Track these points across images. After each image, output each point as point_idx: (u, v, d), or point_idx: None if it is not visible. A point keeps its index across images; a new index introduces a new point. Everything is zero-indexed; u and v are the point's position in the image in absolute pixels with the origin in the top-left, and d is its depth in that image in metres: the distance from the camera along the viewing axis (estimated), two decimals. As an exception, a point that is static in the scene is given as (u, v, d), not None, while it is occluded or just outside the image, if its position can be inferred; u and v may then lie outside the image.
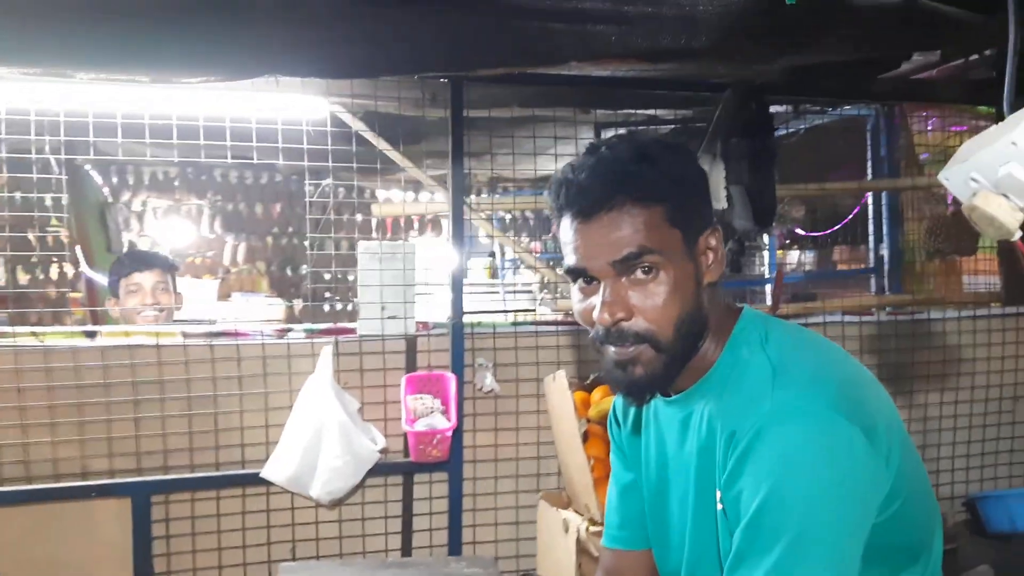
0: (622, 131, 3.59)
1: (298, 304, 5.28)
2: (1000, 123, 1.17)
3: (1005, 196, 1.17)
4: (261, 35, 1.72)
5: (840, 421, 1.06)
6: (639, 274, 1.14)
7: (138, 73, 1.78)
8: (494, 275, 6.94)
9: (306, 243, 2.67)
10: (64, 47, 1.68)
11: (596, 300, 1.15)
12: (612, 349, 1.17)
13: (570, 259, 1.17)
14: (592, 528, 2.22)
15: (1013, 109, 1.19)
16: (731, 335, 1.21)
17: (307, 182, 2.47)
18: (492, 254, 6.91)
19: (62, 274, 5.49)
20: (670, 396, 1.25)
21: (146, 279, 2.92)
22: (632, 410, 1.40)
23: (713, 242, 1.20)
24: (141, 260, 3.03)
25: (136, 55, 1.68)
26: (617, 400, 1.47)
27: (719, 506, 1.15)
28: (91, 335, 2.37)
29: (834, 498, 1.04)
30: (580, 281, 1.19)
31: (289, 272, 6.18)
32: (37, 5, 1.58)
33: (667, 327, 1.15)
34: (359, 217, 4.90)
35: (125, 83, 1.99)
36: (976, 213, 1.18)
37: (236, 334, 2.46)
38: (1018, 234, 1.18)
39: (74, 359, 2.30)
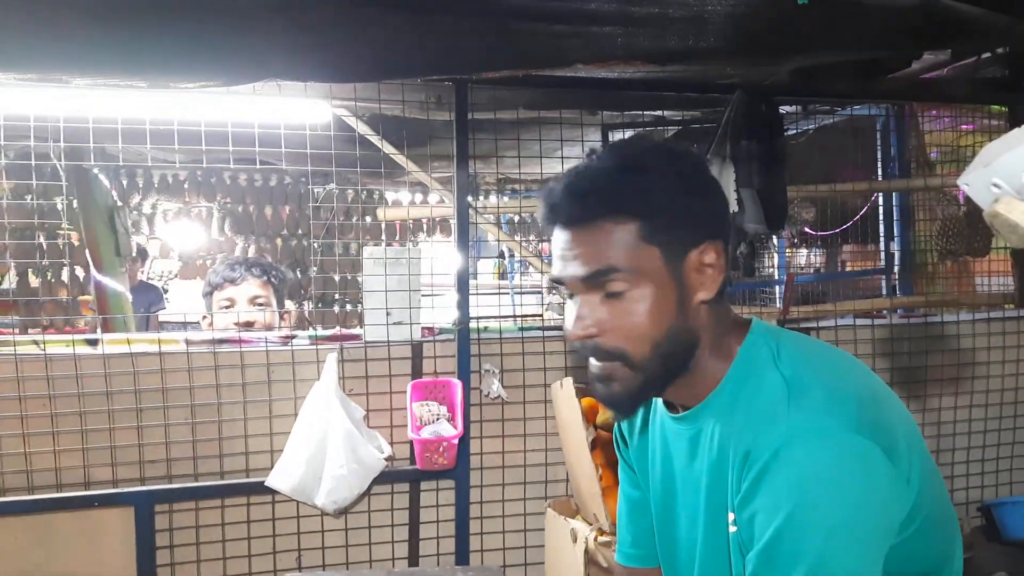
0: (629, 133, 3.56)
1: (308, 306, 5.27)
2: (1023, 127, 1.14)
3: (1029, 203, 1.13)
4: (261, 40, 1.70)
5: (860, 442, 1.03)
6: (610, 291, 1.11)
7: (135, 78, 1.76)
8: (503, 276, 6.92)
9: (310, 246, 2.61)
10: (60, 53, 1.66)
11: (571, 314, 1.15)
12: (592, 362, 1.16)
13: (553, 269, 1.17)
14: (601, 538, 2.19)
15: (1036, 112, 1.16)
16: (740, 350, 1.16)
17: (310, 186, 2.44)
18: (502, 255, 6.88)
19: (73, 277, 5.49)
20: (677, 412, 1.22)
21: (240, 293, 2.61)
22: (637, 426, 1.37)
23: (709, 257, 1.14)
24: (235, 270, 2.64)
25: (132, 60, 1.66)
26: None
27: (732, 528, 1.12)
28: (93, 343, 2.35)
29: (853, 524, 1.01)
30: (564, 292, 1.18)
31: (299, 274, 6.17)
32: (33, 11, 1.55)
33: (641, 347, 1.12)
34: (368, 220, 4.89)
35: (123, 88, 1.96)
36: (999, 220, 1.15)
37: (240, 341, 2.43)
38: (1043, 242, 1.14)
39: (76, 367, 2.28)
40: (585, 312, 1.13)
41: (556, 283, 1.17)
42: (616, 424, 1.45)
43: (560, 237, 1.14)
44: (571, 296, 1.16)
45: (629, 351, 1.12)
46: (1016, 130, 1.14)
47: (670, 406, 1.25)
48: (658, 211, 1.12)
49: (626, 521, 1.45)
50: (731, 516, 1.12)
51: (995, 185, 1.14)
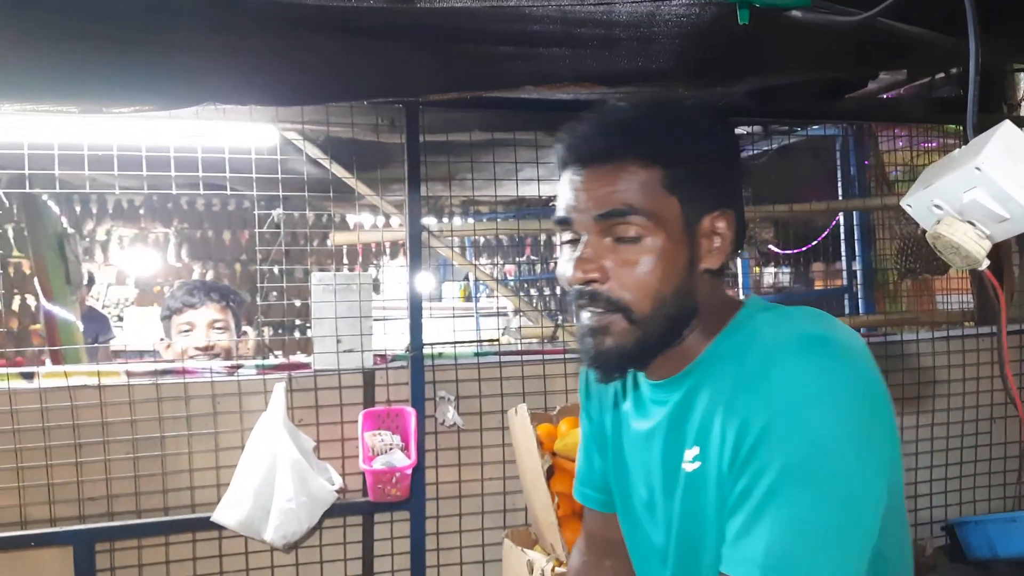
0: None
1: (267, 332, 5.18)
2: (963, 147, 1.12)
3: (971, 223, 1.10)
4: (197, 63, 1.64)
5: (874, 377, 0.99)
6: (623, 235, 1.05)
7: (65, 103, 1.69)
8: (468, 298, 6.87)
9: (267, 271, 2.55)
10: (-15, 77, 1.59)
11: (570, 257, 1.08)
12: (586, 314, 1.08)
13: (559, 210, 1.10)
14: (558, 568, 2.13)
15: (977, 132, 1.13)
16: (731, 321, 1.10)
17: (256, 211, 2.37)
18: (466, 278, 6.82)
19: (24, 306, 5.35)
20: (655, 380, 1.15)
21: (199, 317, 2.62)
22: (610, 401, 1.29)
23: (721, 226, 1.09)
24: (194, 295, 2.66)
25: (61, 85, 1.60)
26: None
27: (690, 465, 1.06)
28: (29, 376, 2.26)
29: (862, 438, 0.94)
30: (567, 237, 1.11)
31: (258, 300, 6.08)
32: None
33: (644, 299, 1.05)
34: (329, 243, 4.83)
35: (55, 114, 1.89)
36: (941, 241, 1.12)
37: (184, 372, 2.35)
38: (985, 263, 1.12)
39: (11, 401, 2.19)
40: (590, 254, 1.06)
41: (561, 223, 1.11)
42: (583, 373, 1.37)
43: (575, 176, 1.08)
44: (572, 241, 1.10)
45: (632, 303, 1.05)
46: (956, 151, 1.12)
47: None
48: (685, 162, 1.07)
49: (585, 465, 1.38)
50: (688, 454, 1.06)
51: (936, 206, 1.12)
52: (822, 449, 0.92)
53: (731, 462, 0.99)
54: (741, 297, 1.16)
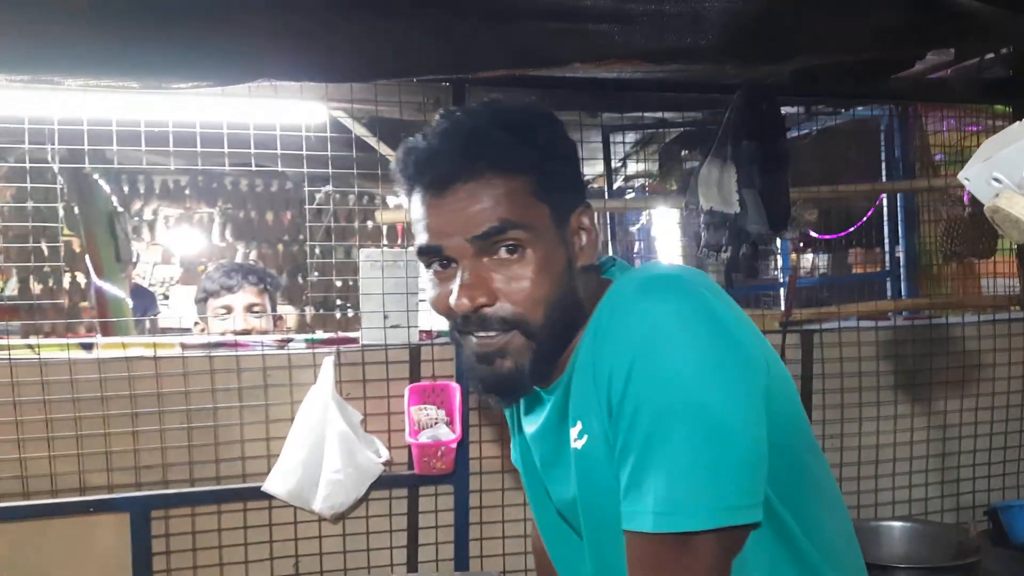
0: (631, 135, 3.54)
1: (309, 311, 5.25)
2: (1023, 120, 1.12)
3: (1029, 197, 1.10)
4: (251, 40, 1.68)
5: (720, 299, 1.00)
6: (503, 253, 1.03)
7: (127, 79, 1.75)
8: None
9: (311, 250, 2.59)
10: (51, 53, 1.65)
11: (454, 284, 1.03)
12: (474, 340, 1.06)
13: (422, 238, 1.05)
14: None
15: (1036, 105, 1.13)
16: (597, 307, 1.07)
17: (306, 188, 2.41)
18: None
19: (75, 283, 5.48)
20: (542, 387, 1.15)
21: (237, 300, 2.64)
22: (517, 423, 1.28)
23: (586, 221, 1.09)
24: (232, 277, 2.66)
25: (123, 60, 1.65)
26: None
27: (576, 443, 1.05)
28: (88, 347, 2.33)
29: (719, 366, 0.93)
30: (435, 264, 1.07)
31: (300, 279, 6.16)
32: (23, 10, 1.54)
33: (536, 311, 1.03)
34: (369, 224, 4.88)
35: (116, 89, 1.94)
36: (999, 215, 1.12)
37: (236, 345, 2.41)
38: (1043, 237, 1.12)
39: (71, 372, 2.26)
40: (474, 278, 1.02)
41: (428, 253, 1.06)
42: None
43: (433, 199, 1.03)
44: (445, 267, 1.06)
45: (526, 316, 1.03)
46: (1016, 124, 1.12)
47: None
48: (548, 167, 1.06)
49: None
50: (573, 432, 1.05)
51: (995, 179, 1.12)
52: (683, 385, 0.92)
53: (608, 421, 0.99)
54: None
